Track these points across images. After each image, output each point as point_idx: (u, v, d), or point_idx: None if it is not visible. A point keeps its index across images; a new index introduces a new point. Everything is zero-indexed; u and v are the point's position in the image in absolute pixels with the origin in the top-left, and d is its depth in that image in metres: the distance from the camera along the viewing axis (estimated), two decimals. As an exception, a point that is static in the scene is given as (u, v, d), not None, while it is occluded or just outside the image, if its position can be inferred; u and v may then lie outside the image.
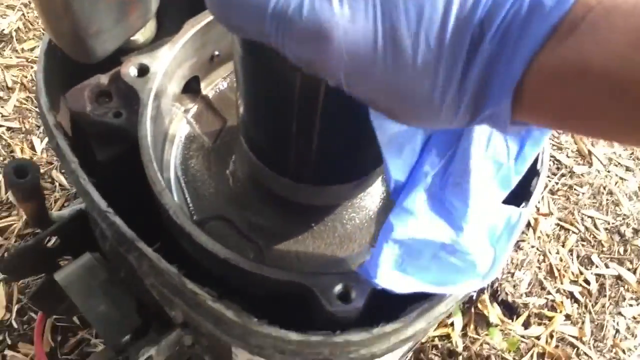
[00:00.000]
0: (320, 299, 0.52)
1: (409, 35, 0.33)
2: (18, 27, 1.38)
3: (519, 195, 0.57)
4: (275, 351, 0.55)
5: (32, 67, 1.32)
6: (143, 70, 0.64)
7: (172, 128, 0.73)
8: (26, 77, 1.31)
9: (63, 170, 1.16)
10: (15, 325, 0.99)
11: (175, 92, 0.71)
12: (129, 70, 0.63)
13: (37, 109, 1.26)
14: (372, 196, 0.69)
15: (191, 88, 0.74)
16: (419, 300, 0.55)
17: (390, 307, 0.54)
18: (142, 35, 0.71)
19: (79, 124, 0.64)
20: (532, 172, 0.60)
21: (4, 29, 1.37)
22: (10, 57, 1.33)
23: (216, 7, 0.37)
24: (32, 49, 1.36)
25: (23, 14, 1.41)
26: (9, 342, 0.98)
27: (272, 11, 0.34)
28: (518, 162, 0.49)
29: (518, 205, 0.54)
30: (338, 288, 0.53)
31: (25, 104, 1.27)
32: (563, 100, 0.33)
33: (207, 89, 0.76)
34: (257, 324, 0.52)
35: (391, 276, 0.47)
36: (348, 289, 0.53)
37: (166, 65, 0.65)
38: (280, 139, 0.54)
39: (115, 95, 0.64)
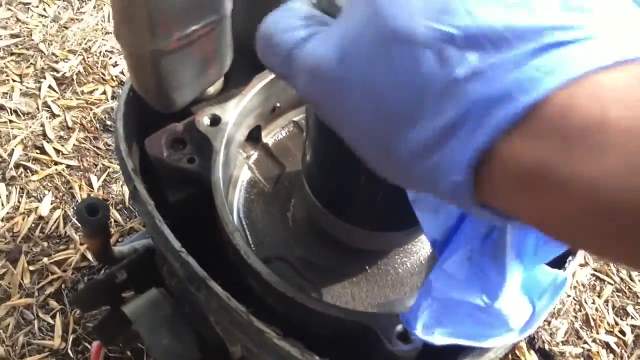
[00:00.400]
0: (382, 338, 0.55)
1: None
2: (79, 71, 1.47)
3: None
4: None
5: (91, 109, 1.40)
6: (215, 120, 0.69)
7: (235, 174, 0.78)
8: (85, 118, 1.38)
9: (119, 207, 1.23)
10: (71, 354, 1.04)
11: (241, 140, 0.76)
12: (203, 119, 0.69)
13: (95, 148, 1.33)
14: (422, 243, 0.72)
15: (253, 136, 0.80)
16: (471, 349, 0.58)
17: (444, 355, 0.57)
18: (213, 87, 0.77)
19: (156, 168, 0.69)
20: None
21: (65, 72, 1.46)
22: (71, 99, 1.41)
23: (259, 51, 0.38)
24: (91, 92, 1.44)
25: (84, 59, 1.50)
26: (64, 370, 1.02)
27: (286, 53, 0.34)
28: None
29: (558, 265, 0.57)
30: (399, 328, 0.56)
31: (84, 143, 1.34)
32: (533, 204, 0.28)
33: (267, 137, 0.81)
34: (319, 361, 0.55)
35: (429, 328, 0.49)
36: (408, 333, 0.56)
37: (235, 116, 0.70)
38: (347, 189, 0.58)
39: (189, 142, 0.70)
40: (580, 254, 0.61)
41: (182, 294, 0.70)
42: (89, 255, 1.13)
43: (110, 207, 1.23)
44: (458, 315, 0.49)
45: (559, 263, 0.60)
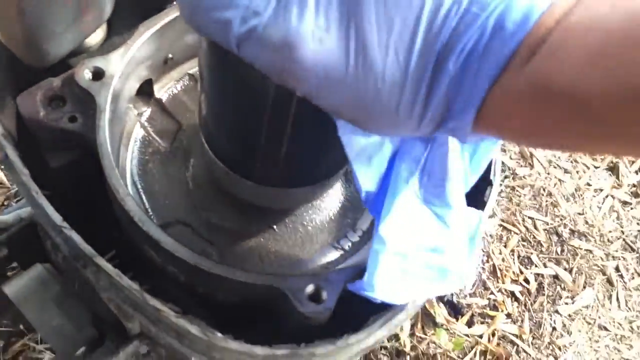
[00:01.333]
0: (292, 300, 0.52)
1: (379, 50, 0.34)
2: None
3: (473, 204, 0.58)
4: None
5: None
6: (98, 74, 0.61)
7: (126, 131, 0.70)
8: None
9: (6, 171, 1.11)
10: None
11: (130, 94, 0.69)
12: (84, 73, 0.61)
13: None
14: (331, 197, 0.69)
15: (144, 91, 0.72)
16: (381, 309, 0.55)
17: (352, 314, 0.54)
18: (93, 38, 0.68)
19: (31, 130, 0.61)
20: (486, 182, 0.61)
21: None
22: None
23: (186, 12, 0.37)
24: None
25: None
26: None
27: (239, 22, 0.34)
28: (473, 162, 0.50)
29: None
30: (310, 289, 0.52)
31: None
32: (525, 119, 0.34)
33: (160, 92, 0.74)
34: (222, 339, 0.50)
35: (389, 288, 0.47)
36: (319, 290, 0.53)
37: (122, 68, 0.63)
38: (248, 145, 0.53)
39: (69, 99, 0.62)
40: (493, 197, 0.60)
41: (70, 271, 0.63)
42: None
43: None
44: (416, 267, 0.48)
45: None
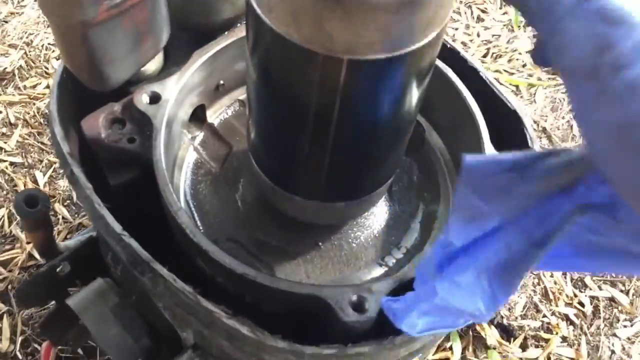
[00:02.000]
0: (336, 311, 0.53)
1: None
2: (20, 65, 1.40)
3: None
4: (290, 368, 0.55)
5: (34, 104, 1.33)
6: (155, 98, 0.66)
7: (180, 155, 0.74)
8: (29, 113, 1.32)
9: (67, 203, 1.17)
10: (20, 356, 0.98)
11: (184, 119, 0.73)
12: (142, 97, 0.65)
13: (40, 144, 1.28)
14: (375, 215, 0.70)
15: (197, 117, 0.76)
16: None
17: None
18: (151, 66, 0.73)
19: (93, 149, 0.65)
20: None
21: (6, 67, 1.39)
22: (13, 95, 1.35)
23: None
24: (34, 86, 1.37)
25: (25, 53, 1.43)
26: (13, 374, 0.97)
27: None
28: None
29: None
30: (353, 299, 0.54)
31: (27, 139, 1.28)
32: None
33: (212, 117, 0.78)
34: (271, 339, 0.53)
35: (414, 323, 0.48)
36: (362, 300, 0.54)
37: (176, 93, 0.67)
38: (293, 158, 0.56)
39: (128, 122, 0.66)
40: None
41: (128, 282, 0.67)
42: (36, 254, 1.07)
43: (58, 204, 1.18)
44: (446, 315, 0.48)
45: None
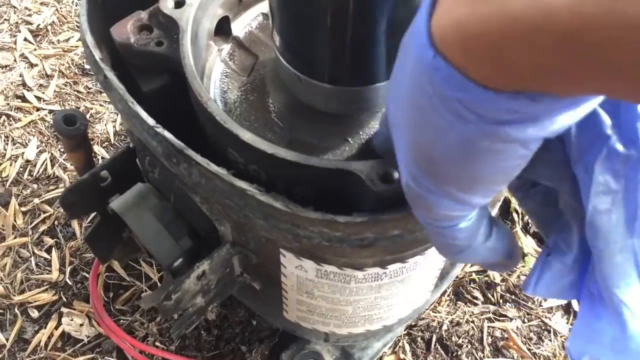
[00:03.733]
0: (366, 183, 0.54)
1: None
2: (53, 21, 1.43)
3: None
4: (323, 240, 0.56)
5: (68, 56, 1.36)
6: (179, 3, 0.66)
7: (207, 66, 0.75)
8: (63, 64, 1.35)
9: (105, 145, 1.20)
10: (69, 283, 1.02)
11: (210, 29, 0.74)
12: (167, 3, 0.66)
13: (76, 92, 1.30)
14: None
15: (223, 30, 0.77)
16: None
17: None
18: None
19: (123, 55, 0.67)
20: None
21: (39, 24, 1.42)
22: (48, 49, 1.38)
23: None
24: (67, 40, 1.40)
25: (57, 9, 1.46)
26: (65, 300, 1.01)
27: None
28: None
29: None
30: (381, 170, 0.54)
31: (64, 88, 1.31)
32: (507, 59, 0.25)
33: (237, 30, 0.79)
34: (304, 210, 0.54)
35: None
36: (389, 172, 0.55)
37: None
38: (316, 36, 0.56)
39: (155, 28, 0.67)
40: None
41: (166, 184, 0.68)
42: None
43: (97, 145, 1.21)
44: None
45: None
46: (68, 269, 1.04)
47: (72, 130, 0.77)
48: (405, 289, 0.75)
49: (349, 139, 0.69)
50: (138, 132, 0.62)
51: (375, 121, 0.70)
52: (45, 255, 1.06)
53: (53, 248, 1.06)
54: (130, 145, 0.75)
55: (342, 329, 0.82)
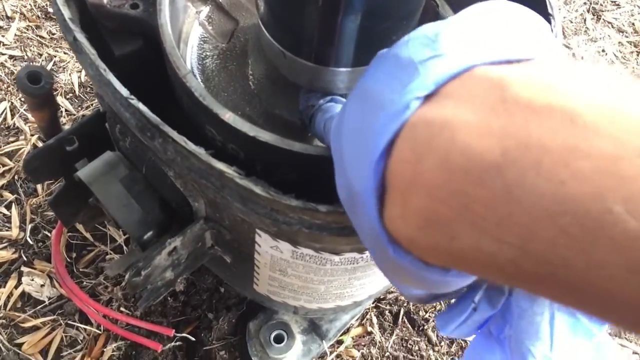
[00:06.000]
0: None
1: None
2: (13, -43, 1.35)
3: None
4: (303, 226, 0.55)
5: (30, -4, 1.29)
6: (157, -37, 0.63)
7: (185, 30, 0.72)
8: (25, 6, 1.28)
9: (69, 96, 1.15)
10: (30, 242, 0.99)
11: (188, -9, 0.70)
12: (144, -39, 0.62)
13: (38, 38, 1.24)
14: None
15: (202, -10, 0.73)
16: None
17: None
18: None
19: (96, 17, 0.63)
20: None
21: (-2, -41, 1.34)
22: (7, -13, 1.30)
23: None
24: (28, -22, 1.32)
25: (17, -56, 1.37)
26: (25, 259, 0.98)
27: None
28: None
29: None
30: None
31: (26, 32, 1.24)
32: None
33: (218, -8, 0.75)
34: (285, 197, 0.53)
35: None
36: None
37: (179, -42, 0.64)
38: (304, 13, 0.54)
39: (131, -12, 0.63)
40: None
41: (137, 154, 0.66)
42: (41, 145, 1.06)
43: (60, 97, 1.16)
44: None
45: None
46: (29, 227, 1.01)
47: (36, 89, 0.73)
48: (375, 276, 0.75)
49: (331, 118, 0.67)
50: (110, 100, 0.59)
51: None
52: (5, 211, 1.03)
53: (13, 204, 1.03)
54: (100, 110, 0.72)
55: (312, 304, 0.83)
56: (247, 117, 0.68)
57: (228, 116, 0.55)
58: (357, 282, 0.77)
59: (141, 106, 0.56)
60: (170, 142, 0.55)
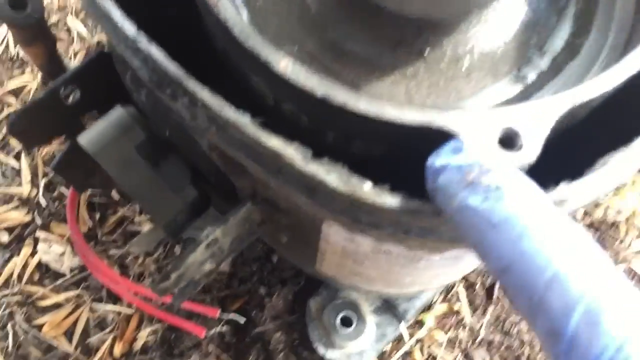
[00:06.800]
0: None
1: None
2: None
3: None
4: (398, 230, 0.39)
5: None
6: None
7: None
8: None
9: (82, 17, 0.98)
10: (43, 202, 0.86)
11: None
12: None
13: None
14: (507, 8, 0.50)
15: None
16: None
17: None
18: None
19: None
20: None
21: None
22: None
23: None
24: None
25: None
26: (40, 222, 0.86)
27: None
28: None
29: None
30: (498, 130, 0.35)
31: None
32: None
33: None
34: (374, 192, 0.36)
35: None
36: (513, 134, 0.36)
37: None
38: None
39: None
40: None
41: (158, 111, 0.50)
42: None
43: (71, 16, 0.99)
44: None
45: None
46: (42, 182, 0.88)
47: (21, 18, 0.57)
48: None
49: (426, 52, 0.49)
50: (114, 40, 0.43)
51: (465, 25, 0.49)
52: (13, 162, 0.89)
53: (22, 154, 0.89)
54: (105, 49, 0.55)
55: (391, 289, 0.67)
56: (306, 54, 0.50)
57: (284, 65, 0.38)
58: (455, 269, 0.61)
59: (154, 50, 0.40)
60: (199, 105, 0.39)
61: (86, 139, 0.51)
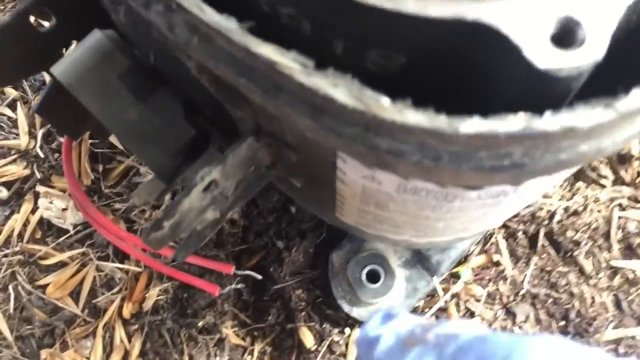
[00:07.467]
0: (519, 49, 0.28)
1: None
2: None
3: None
4: (426, 157, 0.32)
5: None
6: None
7: None
8: None
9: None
10: (41, 154, 0.82)
11: None
12: None
13: None
14: None
15: None
16: None
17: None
18: None
19: None
20: None
21: None
22: None
23: None
24: None
25: None
26: (39, 175, 0.81)
27: None
28: None
29: None
30: (555, 18, 0.28)
31: None
32: None
33: None
34: (394, 107, 0.29)
35: None
36: (572, 27, 0.28)
37: None
38: None
39: None
40: None
41: (139, 32, 0.43)
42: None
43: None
44: None
45: None
46: (40, 132, 0.83)
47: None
48: (529, 196, 0.52)
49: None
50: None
51: None
52: (9, 112, 0.85)
53: (18, 103, 0.85)
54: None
55: (422, 239, 0.61)
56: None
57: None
58: (494, 213, 0.54)
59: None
60: (175, 9, 0.32)
61: (60, 68, 0.45)
